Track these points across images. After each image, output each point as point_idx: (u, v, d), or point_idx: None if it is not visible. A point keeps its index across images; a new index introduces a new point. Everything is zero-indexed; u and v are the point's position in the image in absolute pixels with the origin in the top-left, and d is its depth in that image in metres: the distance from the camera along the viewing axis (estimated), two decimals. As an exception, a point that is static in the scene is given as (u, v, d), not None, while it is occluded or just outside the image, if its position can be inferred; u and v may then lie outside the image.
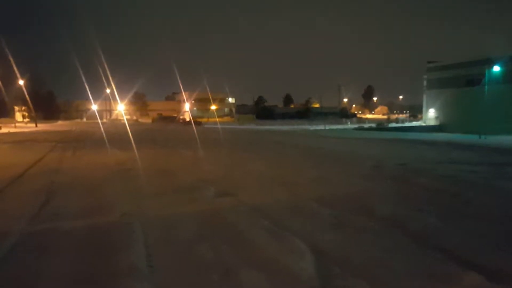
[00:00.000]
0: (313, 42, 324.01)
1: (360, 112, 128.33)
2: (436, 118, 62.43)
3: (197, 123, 60.76)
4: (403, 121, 77.69)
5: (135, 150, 16.64)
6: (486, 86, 47.93)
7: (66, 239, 5.25)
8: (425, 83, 68.23)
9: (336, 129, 47.69)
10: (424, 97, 68.16)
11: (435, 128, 56.80)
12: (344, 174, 10.67)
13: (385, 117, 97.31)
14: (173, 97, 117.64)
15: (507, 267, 4.22)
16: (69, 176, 10.29)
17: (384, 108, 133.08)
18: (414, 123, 70.16)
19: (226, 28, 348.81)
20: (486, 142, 27.69)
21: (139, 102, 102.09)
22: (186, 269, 4.20)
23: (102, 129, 33.24)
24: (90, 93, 68.35)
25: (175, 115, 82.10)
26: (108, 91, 72.71)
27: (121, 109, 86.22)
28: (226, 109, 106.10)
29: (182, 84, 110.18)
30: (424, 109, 69.33)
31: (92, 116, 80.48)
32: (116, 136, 25.95)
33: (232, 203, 7.11)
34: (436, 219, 6.02)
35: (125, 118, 73.76)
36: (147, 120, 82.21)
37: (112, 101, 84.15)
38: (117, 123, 61.30)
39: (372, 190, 8.40)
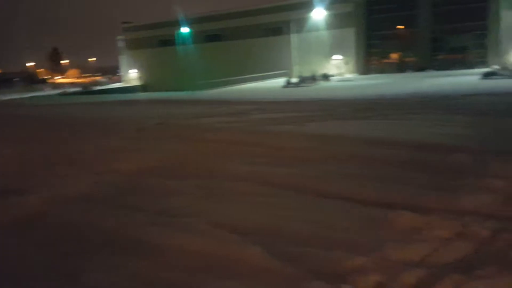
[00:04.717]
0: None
1: (49, 76, 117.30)
2: (139, 78, 63.78)
3: None
4: (105, 83, 75.67)
5: None
6: (178, 46, 52.11)
7: None
8: (121, 44, 68.05)
9: (39, 97, 42.13)
10: (123, 58, 68.18)
11: (139, 89, 57.93)
12: (137, 141, 9.49)
13: (81, 80, 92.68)
14: None
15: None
16: None
17: (76, 71, 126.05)
18: (117, 85, 69.56)
19: None
20: (200, 97, 30.05)
21: None
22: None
23: None
24: None
25: None
26: None
27: None
28: None
29: None
30: (123, 70, 69.55)
31: None
32: None
33: None
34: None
35: None
36: None
37: None
38: None
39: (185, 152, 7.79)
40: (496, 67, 30.05)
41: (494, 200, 4.33)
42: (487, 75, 26.00)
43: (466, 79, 26.17)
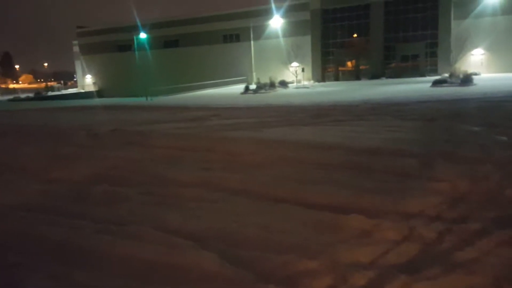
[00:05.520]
0: None
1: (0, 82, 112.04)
2: (94, 84, 62.06)
3: None
4: (59, 88, 73.16)
5: None
6: (136, 52, 51.07)
7: None
8: (76, 48, 66.07)
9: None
10: (79, 63, 66.16)
11: (95, 94, 56.35)
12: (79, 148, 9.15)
13: (35, 86, 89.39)
14: None
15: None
16: None
17: (29, 77, 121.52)
18: (72, 90, 67.43)
19: None
20: (158, 103, 29.58)
21: None
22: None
23: None
24: None
25: None
26: None
27: None
28: None
29: None
30: (79, 75, 67.51)
31: None
32: None
33: None
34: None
35: None
36: None
37: None
38: None
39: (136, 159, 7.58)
40: (446, 75, 31.46)
41: (440, 202, 4.48)
42: (437, 83, 27.14)
43: (417, 86, 27.21)
